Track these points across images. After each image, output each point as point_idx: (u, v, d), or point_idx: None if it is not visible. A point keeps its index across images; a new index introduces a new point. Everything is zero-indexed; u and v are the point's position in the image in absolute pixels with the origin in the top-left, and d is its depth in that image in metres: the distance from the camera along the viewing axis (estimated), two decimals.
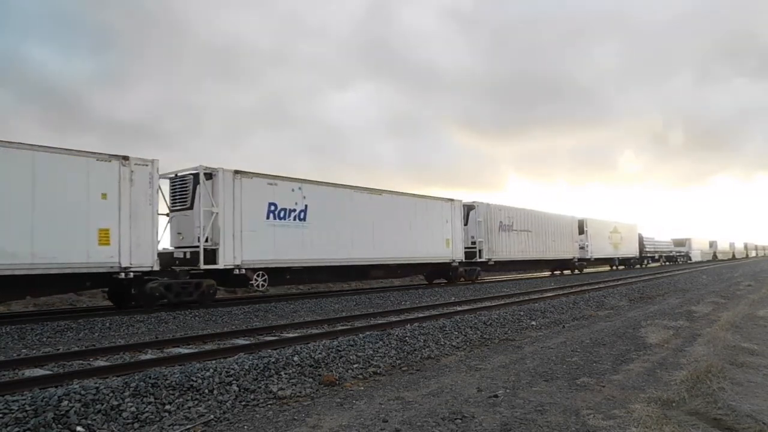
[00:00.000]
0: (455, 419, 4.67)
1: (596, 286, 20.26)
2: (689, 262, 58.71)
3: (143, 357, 7.43)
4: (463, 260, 23.44)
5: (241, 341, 8.61)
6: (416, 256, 20.69)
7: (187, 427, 4.60)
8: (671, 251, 55.74)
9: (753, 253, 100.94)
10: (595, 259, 36.32)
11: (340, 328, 9.89)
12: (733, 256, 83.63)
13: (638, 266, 45.41)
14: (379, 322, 10.60)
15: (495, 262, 25.60)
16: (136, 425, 4.61)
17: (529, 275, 31.81)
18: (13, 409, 4.49)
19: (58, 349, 8.18)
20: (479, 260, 24.58)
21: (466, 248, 23.93)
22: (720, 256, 73.41)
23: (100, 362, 7.14)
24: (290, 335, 9.10)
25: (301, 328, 10.17)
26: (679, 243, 59.86)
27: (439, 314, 11.52)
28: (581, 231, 34.99)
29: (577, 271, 34.80)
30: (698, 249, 63.46)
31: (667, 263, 53.51)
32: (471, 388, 5.74)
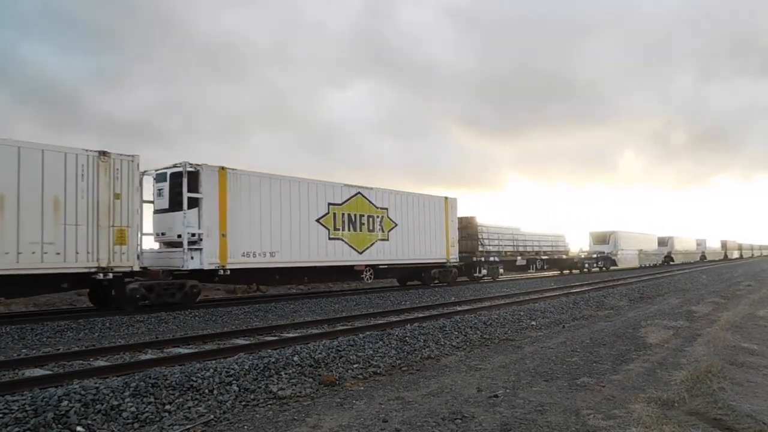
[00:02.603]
0: (455, 419, 4.67)
1: (596, 286, 20.27)
2: (671, 263, 51.20)
3: (143, 357, 7.43)
4: None
5: (241, 341, 8.61)
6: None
7: (187, 427, 4.60)
8: (596, 254, 39.05)
9: (748, 254, 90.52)
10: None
11: (340, 328, 9.89)
12: (725, 256, 73.78)
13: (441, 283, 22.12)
14: (379, 322, 10.60)
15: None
16: (136, 425, 4.61)
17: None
18: (13, 409, 4.49)
19: (58, 349, 8.18)
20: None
21: None
22: (709, 257, 64.84)
23: (100, 362, 7.14)
24: (290, 335, 9.10)
25: (301, 328, 10.17)
26: (661, 242, 52.09)
27: (439, 314, 11.52)
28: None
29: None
30: (681, 249, 55.37)
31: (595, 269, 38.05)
32: (471, 388, 5.74)
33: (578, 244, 41.24)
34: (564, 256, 33.80)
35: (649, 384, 5.89)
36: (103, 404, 4.77)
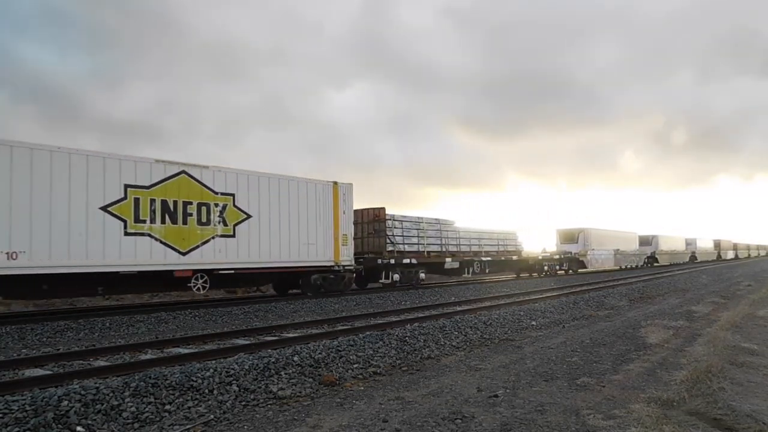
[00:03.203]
0: (455, 419, 4.67)
1: (596, 286, 20.27)
2: (655, 264, 46.87)
3: (143, 357, 7.43)
4: None
5: (241, 341, 8.61)
6: None
7: (187, 427, 4.60)
8: (560, 254, 33.54)
9: (744, 254, 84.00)
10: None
11: (340, 328, 9.89)
12: (719, 257, 67.57)
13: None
14: (379, 322, 10.60)
15: None
16: (136, 425, 4.61)
17: None
18: (13, 409, 4.49)
19: (58, 349, 8.18)
20: None
21: None
22: (700, 257, 59.10)
23: (100, 362, 7.14)
24: (290, 335, 9.10)
25: (301, 328, 10.17)
26: (644, 241, 47.17)
27: (439, 314, 11.52)
28: None
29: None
30: (667, 249, 50.30)
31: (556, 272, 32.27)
32: (471, 388, 5.74)
33: (547, 244, 37.35)
34: (515, 257, 27.89)
35: (649, 384, 5.89)
36: (103, 404, 4.77)
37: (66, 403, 4.66)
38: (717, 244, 68.38)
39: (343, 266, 17.14)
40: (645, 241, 47.43)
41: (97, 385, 5.16)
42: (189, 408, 5.00)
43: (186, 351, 7.71)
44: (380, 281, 19.56)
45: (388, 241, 19.69)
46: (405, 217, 20.89)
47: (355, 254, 18.09)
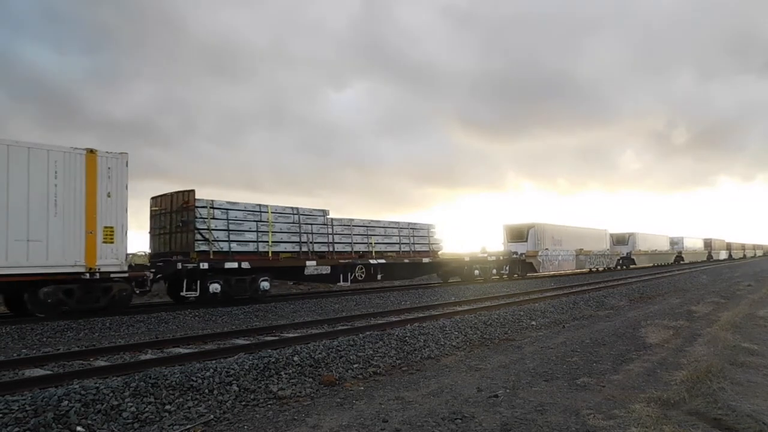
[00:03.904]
0: (455, 419, 4.67)
1: (596, 286, 20.27)
2: (631, 267, 42.04)
3: (143, 357, 7.43)
4: None
5: (241, 341, 8.61)
6: None
7: (187, 427, 4.60)
8: (502, 255, 27.40)
9: (739, 254, 78.43)
10: None
11: (340, 328, 9.89)
12: (710, 257, 62.08)
13: None
14: (379, 322, 10.60)
15: None
16: (136, 425, 4.61)
17: None
18: (13, 409, 4.48)
19: (58, 349, 8.18)
20: None
21: None
22: (687, 258, 53.56)
23: (100, 362, 7.14)
24: (290, 335, 9.10)
25: (301, 328, 10.17)
26: (620, 240, 42.45)
27: (439, 314, 11.52)
28: None
29: None
30: (647, 249, 44.97)
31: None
32: (471, 388, 5.74)
33: (494, 243, 30.95)
34: (428, 260, 21.32)
35: (650, 384, 5.89)
36: (103, 404, 4.77)
37: (66, 403, 4.66)
38: (708, 244, 63.36)
39: (109, 272, 11.75)
40: (620, 240, 42.64)
41: (97, 385, 5.16)
42: (189, 408, 5.00)
43: (186, 351, 7.71)
44: (184, 294, 13.80)
45: (198, 236, 14.00)
46: (234, 204, 15.11)
47: (159, 255, 14.32)
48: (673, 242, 52.39)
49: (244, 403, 5.25)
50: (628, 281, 24.06)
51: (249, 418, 4.85)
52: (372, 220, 19.71)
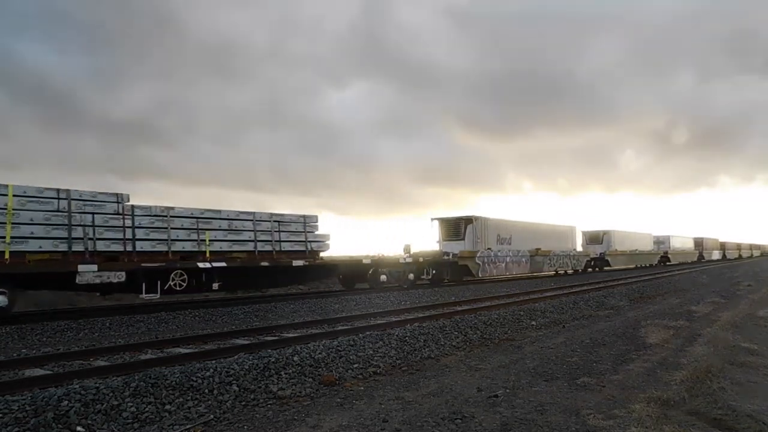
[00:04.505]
0: (455, 419, 4.67)
1: (596, 286, 20.28)
2: (606, 269, 37.76)
3: (143, 357, 7.43)
4: None
5: (241, 341, 8.61)
6: None
7: (187, 427, 4.60)
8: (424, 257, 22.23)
9: (734, 254, 73.69)
10: None
11: (340, 328, 9.89)
12: (701, 258, 57.72)
13: None
14: (379, 322, 10.60)
15: None
16: (136, 425, 4.61)
17: None
18: (13, 409, 4.49)
19: (58, 349, 8.18)
20: None
21: None
22: (674, 259, 49.28)
23: (100, 362, 7.13)
24: (290, 335, 9.10)
25: (301, 328, 10.17)
26: (594, 238, 38.22)
27: (439, 314, 11.52)
28: None
29: None
30: (625, 248, 40.27)
31: None
32: (471, 388, 5.74)
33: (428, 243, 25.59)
34: (300, 262, 16.14)
35: (650, 384, 5.89)
36: (103, 404, 4.77)
37: (66, 403, 4.66)
38: (699, 243, 58.96)
39: None
40: (593, 239, 38.36)
41: (97, 385, 5.16)
42: (189, 408, 5.00)
43: (186, 351, 7.71)
44: None
45: None
46: None
47: None
48: (659, 241, 48.36)
49: (244, 403, 5.25)
50: (628, 281, 24.07)
51: (249, 418, 4.85)
52: (207, 210, 14.56)
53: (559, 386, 5.83)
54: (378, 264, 19.96)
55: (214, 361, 6.43)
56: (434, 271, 22.13)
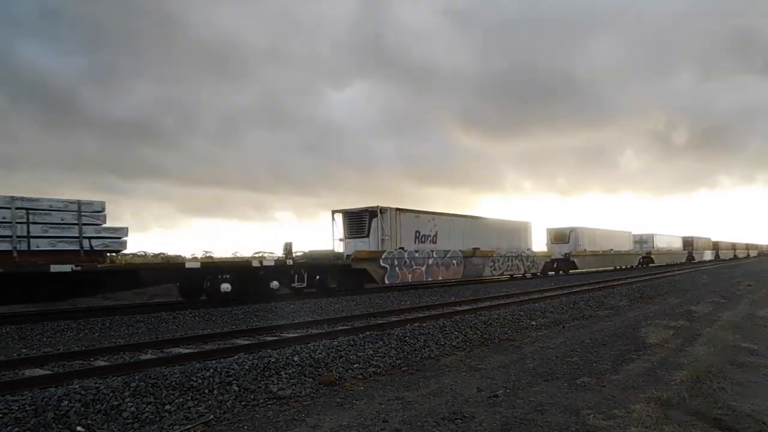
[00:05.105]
0: (455, 419, 4.67)
1: (596, 286, 20.28)
2: (572, 271, 33.60)
3: (143, 357, 7.43)
4: None
5: (241, 341, 8.61)
6: None
7: (187, 427, 4.60)
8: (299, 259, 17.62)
9: (729, 254, 70.01)
10: None
11: (340, 328, 9.89)
12: (690, 258, 53.52)
13: None
14: (379, 322, 10.60)
15: None
16: (136, 425, 4.61)
17: None
18: (13, 409, 4.49)
19: (58, 349, 8.18)
20: None
21: None
22: (659, 261, 45.55)
23: (100, 362, 7.14)
24: (290, 335, 9.10)
25: (301, 328, 10.17)
26: (559, 237, 34.13)
27: (439, 314, 11.52)
28: None
29: None
30: (596, 248, 36.05)
31: None
32: (471, 388, 5.74)
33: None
34: (74, 267, 11.57)
35: (650, 384, 5.89)
36: (103, 404, 4.77)
37: (66, 403, 4.66)
38: (688, 243, 54.67)
39: None
40: (559, 237, 33.92)
41: (97, 385, 5.17)
42: (189, 408, 5.00)
43: (186, 351, 7.71)
44: None
45: None
46: None
47: None
48: (641, 240, 44.49)
49: (244, 403, 5.25)
50: (628, 281, 24.07)
51: (249, 418, 4.85)
52: None
53: (559, 386, 5.83)
54: (216, 269, 14.87)
55: (214, 361, 6.43)
56: (318, 277, 17.97)
